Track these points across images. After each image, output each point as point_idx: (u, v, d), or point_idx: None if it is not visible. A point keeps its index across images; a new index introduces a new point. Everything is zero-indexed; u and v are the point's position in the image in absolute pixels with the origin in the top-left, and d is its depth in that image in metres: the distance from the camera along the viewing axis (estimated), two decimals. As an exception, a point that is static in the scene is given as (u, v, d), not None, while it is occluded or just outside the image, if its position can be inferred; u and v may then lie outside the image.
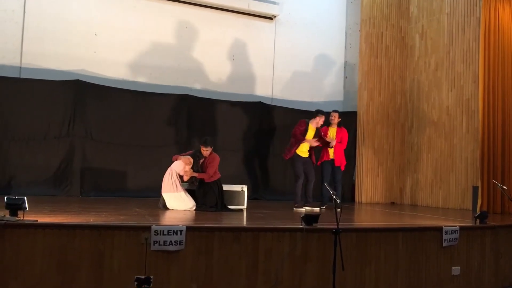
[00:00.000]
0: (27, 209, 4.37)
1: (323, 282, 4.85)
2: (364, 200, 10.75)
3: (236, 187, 7.62)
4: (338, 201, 4.55)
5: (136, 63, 9.77)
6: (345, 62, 11.68)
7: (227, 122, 10.09)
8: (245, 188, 7.68)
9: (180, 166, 6.88)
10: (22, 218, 4.30)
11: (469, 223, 6.35)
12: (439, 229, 5.59)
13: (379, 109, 11.02)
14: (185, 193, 6.83)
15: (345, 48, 11.69)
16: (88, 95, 8.98)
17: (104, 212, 5.77)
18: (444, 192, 9.97)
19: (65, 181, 8.68)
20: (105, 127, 9.12)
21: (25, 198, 4.38)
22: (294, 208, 7.68)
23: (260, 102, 10.50)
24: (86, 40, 9.39)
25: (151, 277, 4.35)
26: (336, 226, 4.44)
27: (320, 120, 8.03)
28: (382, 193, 10.92)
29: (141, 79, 9.76)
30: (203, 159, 7.07)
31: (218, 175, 7.12)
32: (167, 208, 6.73)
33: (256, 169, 10.33)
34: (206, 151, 7.03)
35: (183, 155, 7.06)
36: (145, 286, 4.32)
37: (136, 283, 4.31)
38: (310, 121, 8.02)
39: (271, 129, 10.53)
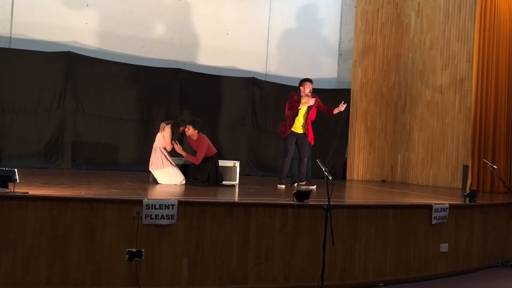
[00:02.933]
0: (18, 181, 4.34)
1: (314, 257, 4.90)
2: (355, 178, 10.83)
3: (229, 163, 7.61)
4: (330, 178, 4.56)
5: (128, 36, 9.62)
6: (340, 39, 11.58)
7: (220, 97, 10.05)
8: (237, 163, 7.67)
9: (161, 140, 6.84)
10: (12, 190, 4.27)
11: (458, 201, 6.41)
12: (428, 207, 5.65)
13: (373, 87, 11.00)
14: (172, 168, 6.80)
15: (340, 25, 11.57)
16: (80, 67, 8.87)
17: (95, 186, 5.75)
18: (435, 170, 10.05)
19: (56, 154, 8.64)
20: (96, 100, 9.03)
21: (16, 170, 4.35)
22: (278, 185, 7.38)
23: (253, 77, 10.43)
24: (78, 11, 9.22)
25: (143, 250, 4.38)
26: (327, 203, 4.47)
27: (309, 87, 7.51)
28: (373, 170, 10.99)
29: (134, 52, 9.63)
30: (183, 127, 6.96)
31: (213, 151, 7.09)
32: (158, 183, 6.74)
33: (248, 145, 10.33)
34: (188, 130, 6.95)
35: (166, 123, 6.98)
36: (137, 259, 4.36)
37: (127, 256, 4.35)
38: (300, 90, 7.60)
39: (264, 105, 10.49)
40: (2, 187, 4.24)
